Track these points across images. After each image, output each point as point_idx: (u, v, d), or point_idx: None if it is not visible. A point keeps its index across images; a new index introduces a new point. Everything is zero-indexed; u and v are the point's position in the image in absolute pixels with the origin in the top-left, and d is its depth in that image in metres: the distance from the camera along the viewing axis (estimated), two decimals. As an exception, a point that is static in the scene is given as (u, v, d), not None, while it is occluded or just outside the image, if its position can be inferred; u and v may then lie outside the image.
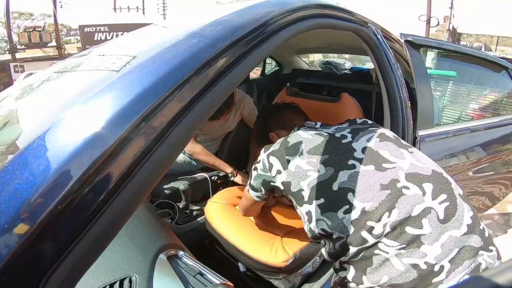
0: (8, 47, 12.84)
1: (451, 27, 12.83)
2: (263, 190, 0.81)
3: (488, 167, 1.46)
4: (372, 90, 1.65)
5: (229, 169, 1.52)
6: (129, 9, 17.01)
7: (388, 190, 0.61)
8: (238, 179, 1.51)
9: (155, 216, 0.85)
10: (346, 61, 2.13)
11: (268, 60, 2.51)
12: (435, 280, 0.55)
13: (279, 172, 0.73)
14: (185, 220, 1.32)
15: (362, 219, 0.60)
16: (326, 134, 0.74)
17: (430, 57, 1.46)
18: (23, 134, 0.40)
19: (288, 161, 0.71)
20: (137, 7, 17.13)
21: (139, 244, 0.66)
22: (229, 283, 0.55)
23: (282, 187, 0.74)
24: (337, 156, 0.67)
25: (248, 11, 0.54)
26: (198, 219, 1.36)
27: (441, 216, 0.59)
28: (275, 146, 0.77)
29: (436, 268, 0.55)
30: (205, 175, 1.55)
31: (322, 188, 0.66)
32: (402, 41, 1.10)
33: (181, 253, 0.66)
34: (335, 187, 0.64)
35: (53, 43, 13.65)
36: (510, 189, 1.87)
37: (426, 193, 0.61)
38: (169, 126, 0.39)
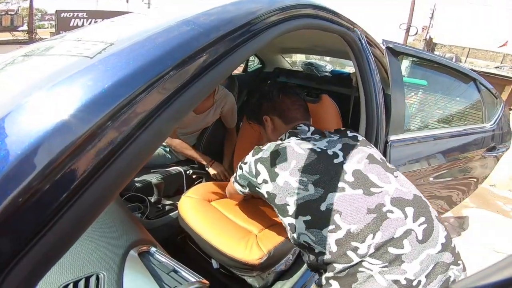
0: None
1: (428, 37, 13.66)
2: (247, 189, 0.82)
3: (448, 173, 1.57)
4: (351, 94, 1.70)
5: (205, 161, 1.51)
6: (111, -4, 16.14)
7: (374, 214, 0.64)
8: (213, 169, 1.50)
9: (125, 210, 0.81)
10: (327, 64, 2.17)
11: (251, 58, 2.50)
12: None
13: (265, 181, 0.73)
14: (157, 215, 1.28)
15: (347, 240, 0.63)
16: (319, 150, 0.73)
17: (404, 65, 1.54)
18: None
19: (277, 174, 0.71)
20: (120, -5, 16.29)
21: (107, 239, 0.62)
22: (205, 281, 0.53)
23: (266, 196, 0.75)
24: (328, 176, 0.69)
25: (242, 5, 0.52)
26: (171, 214, 1.32)
27: (420, 237, 0.64)
28: (265, 152, 0.76)
29: (415, 283, 0.60)
30: (179, 169, 1.51)
31: (309, 207, 0.67)
32: (384, 47, 1.14)
33: (153, 249, 0.63)
34: (323, 207, 0.66)
35: (25, 27, 12.87)
36: (466, 194, 2.04)
37: (408, 216, 0.65)
38: (148, 119, 0.37)
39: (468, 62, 12.76)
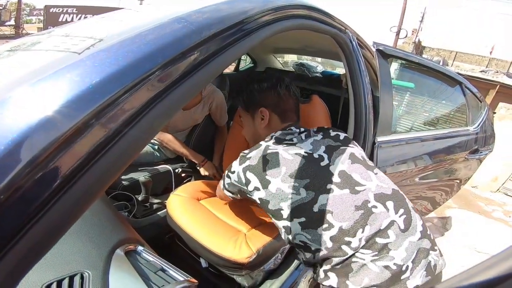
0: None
1: (417, 40, 13.96)
2: (239, 195, 0.84)
3: (432, 174, 1.62)
4: (340, 95, 1.72)
5: (197, 159, 1.48)
6: (103, -8, 15.80)
7: (361, 210, 0.70)
8: (205, 170, 1.49)
9: (111, 208, 0.79)
10: (318, 65, 2.19)
11: (243, 57, 2.50)
12: (403, 277, 0.67)
13: (257, 189, 0.75)
14: (144, 214, 1.26)
15: (340, 236, 0.69)
16: (306, 154, 0.76)
17: (393, 68, 1.57)
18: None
19: (269, 181, 0.73)
20: (112, -9, 15.97)
21: (93, 238, 0.60)
22: (193, 280, 0.53)
23: (258, 202, 0.76)
24: (317, 180, 0.73)
25: (235, 4, 0.52)
26: (159, 212, 1.31)
27: (402, 226, 0.71)
28: (252, 160, 0.77)
29: (404, 268, 0.67)
30: (168, 167, 1.49)
31: (303, 209, 0.71)
32: (374, 49, 1.15)
33: (140, 248, 0.62)
34: (315, 209, 0.71)
35: (12, 22, 12.61)
36: (450, 195, 2.10)
37: (389, 209, 0.72)
38: (136, 116, 0.36)
39: (455, 65, 13.14)
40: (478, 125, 1.85)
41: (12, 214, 0.27)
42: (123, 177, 1.32)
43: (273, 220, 0.77)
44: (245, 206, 1.23)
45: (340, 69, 2.87)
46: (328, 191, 0.71)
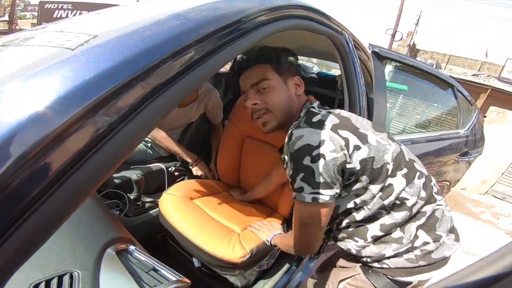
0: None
1: (411, 43, 14.14)
2: (339, 179, 0.64)
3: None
4: (335, 96, 1.73)
5: (190, 159, 1.47)
6: (100, -11, 15.60)
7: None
8: (198, 170, 1.48)
9: (102, 207, 0.78)
10: (314, 66, 2.20)
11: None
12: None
13: (357, 148, 0.63)
14: (136, 213, 1.24)
15: (427, 182, 0.72)
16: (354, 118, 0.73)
17: (387, 70, 1.58)
18: None
19: (365, 135, 0.65)
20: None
21: (83, 237, 0.59)
22: (186, 279, 0.52)
23: (358, 167, 0.64)
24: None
25: (233, 2, 0.52)
26: (151, 211, 1.29)
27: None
28: (332, 118, 0.65)
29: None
30: (161, 165, 1.48)
31: (400, 159, 0.69)
32: (369, 51, 1.16)
33: (132, 247, 0.62)
34: (406, 158, 0.72)
35: (6, 17, 12.47)
36: (440, 196, 2.13)
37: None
38: (131, 113, 0.35)
39: (448, 68, 13.36)
40: (469, 128, 1.89)
41: (0, 211, 0.26)
42: (115, 175, 1.31)
43: (365, 191, 0.67)
44: (239, 206, 1.23)
45: (335, 70, 2.88)
46: (399, 144, 0.73)
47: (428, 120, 1.99)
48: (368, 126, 0.70)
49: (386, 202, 0.68)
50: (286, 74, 0.79)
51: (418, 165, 0.73)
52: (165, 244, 1.27)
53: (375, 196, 0.68)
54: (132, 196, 1.26)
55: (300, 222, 0.70)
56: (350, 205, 0.70)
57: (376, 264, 0.74)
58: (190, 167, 1.49)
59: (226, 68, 2.59)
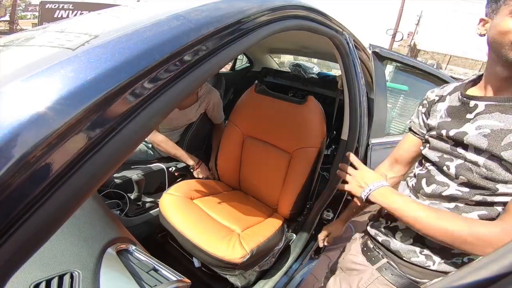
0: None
1: (412, 43, 14.13)
2: None
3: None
4: (336, 97, 1.73)
5: (191, 161, 1.47)
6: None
7: None
8: (199, 172, 1.48)
9: (103, 207, 0.78)
10: (315, 66, 2.20)
11: (239, 56, 2.49)
12: None
13: None
14: (137, 212, 1.24)
15: None
16: None
17: (388, 70, 1.58)
18: None
19: None
20: (109, -12, 15.88)
21: (84, 237, 0.59)
22: (186, 279, 0.52)
23: None
24: None
25: (234, 3, 0.52)
26: (151, 211, 1.29)
27: None
28: None
29: None
30: (161, 165, 1.48)
31: None
32: (370, 52, 1.16)
33: (132, 247, 0.62)
34: None
35: (7, 17, 12.50)
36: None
37: None
38: (131, 113, 0.35)
39: (448, 69, 13.34)
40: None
41: (1, 212, 0.26)
42: (115, 175, 1.31)
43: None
44: (239, 206, 1.23)
45: (336, 70, 2.89)
46: None
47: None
48: None
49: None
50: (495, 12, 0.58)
51: None
52: (166, 244, 1.27)
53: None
54: (132, 196, 1.26)
55: None
56: None
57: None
58: (192, 170, 1.49)
59: (227, 68, 2.59)
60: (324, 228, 1.04)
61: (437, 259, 0.67)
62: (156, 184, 1.48)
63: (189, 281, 0.53)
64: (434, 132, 0.69)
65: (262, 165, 1.31)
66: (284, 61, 2.95)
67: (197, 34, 0.43)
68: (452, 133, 0.63)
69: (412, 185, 0.75)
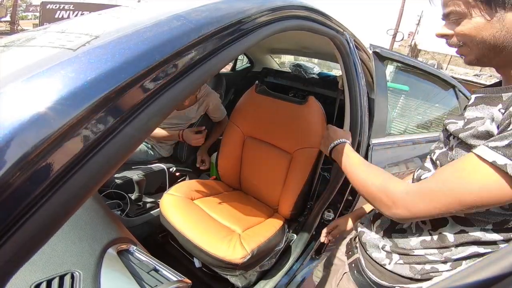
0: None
1: (413, 43, 14.11)
2: None
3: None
4: (336, 97, 1.72)
5: (175, 135, 1.53)
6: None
7: None
8: (186, 138, 1.51)
9: (103, 207, 0.78)
10: (315, 66, 2.19)
11: (240, 56, 2.49)
12: None
13: None
14: (137, 213, 1.25)
15: None
16: None
17: (388, 70, 1.58)
18: None
19: None
20: (110, -12, 15.85)
21: (84, 237, 0.59)
22: (187, 280, 0.52)
23: None
24: None
25: (234, 3, 0.52)
26: (152, 212, 1.30)
27: None
28: None
29: None
30: (162, 166, 1.48)
31: None
32: (370, 52, 1.16)
33: (133, 247, 0.62)
34: None
35: (8, 18, 12.60)
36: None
37: None
38: (131, 114, 0.36)
39: (449, 69, 13.32)
40: (470, 129, 1.87)
41: (2, 212, 0.26)
42: (116, 175, 1.31)
43: None
44: (240, 207, 1.23)
45: (336, 70, 2.88)
46: None
47: (430, 121, 1.98)
48: None
49: None
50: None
51: None
52: (166, 244, 1.27)
53: None
54: (133, 197, 1.26)
55: (469, 181, 0.47)
56: None
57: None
58: (179, 139, 1.53)
59: (227, 68, 2.59)
60: (334, 221, 1.02)
61: (395, 257, 0.63)
62: (157, 185, 1.48)
63: (190, 281, 0.53)
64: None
65: (262, 165, 1.31)
66: (285, 61, 2.95)
67: (197, 35, 0.43)
68: (446, 122, 0.63)
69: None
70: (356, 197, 1.20)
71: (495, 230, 0.51)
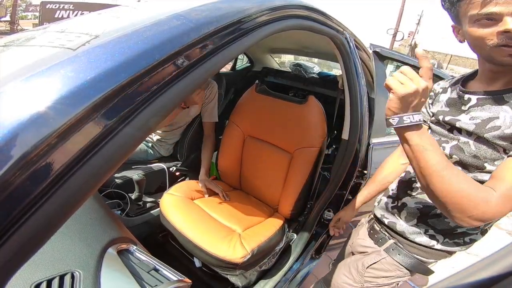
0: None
1: (413, 43, 14.09)
2: None
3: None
4: (336, 96, 1.72)
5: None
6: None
7: None
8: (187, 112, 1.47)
9: (103, 207, 0.78)
10: (315, 66, 2.19)
11: (240, 56, 2.49)
12: None
13: None
14: (137, 212, 1.25)
15: None
16: None
17: (389, 70, 1.57)
18: None
19: None
20: (110, -12, 15.87)
21: (84, 237, 0.59)
22: (187, 279, 0.52)
23: None
24: None
25: (234, 2, 0.52)
26: (152, 211, 1.30)
27: None
28: None
29: None
30: (162, 165, 1.48)
31: None
32: (371, 51, 1.16)
33: (133, 247, 0.62)
34: None
35: (8, 18, 12.59)
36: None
37: None
38: (132, 113, 0.36)
39: (449, 68, 13.30)
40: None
41: (1, 211, 0.26)
42: (116, 175, 1.31)
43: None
44: (240, 207, 1.23)
45: (336, 70, 2.88)
46: None
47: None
48: None
49: None
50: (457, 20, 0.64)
51: None
52: (166, 244, 1.27)
53: None
54: (133, 196, 1.26)
55: None
56: None
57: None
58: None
59: (227, 68, 2.59)
60: (335, 215, 1.09)
61: (440, 238, 0.74)
62: (157, 184, 1.48)
63: (190, 281, 0.53)
64: (433, 118, 0.75)
65: (262, 165, 1.31)
66: (285, 61, 2.94)
67: (197, 34, 0.43)
68: (447, 118, 0.69)
69: None
70: (355, 196, 1.20)
71: None
